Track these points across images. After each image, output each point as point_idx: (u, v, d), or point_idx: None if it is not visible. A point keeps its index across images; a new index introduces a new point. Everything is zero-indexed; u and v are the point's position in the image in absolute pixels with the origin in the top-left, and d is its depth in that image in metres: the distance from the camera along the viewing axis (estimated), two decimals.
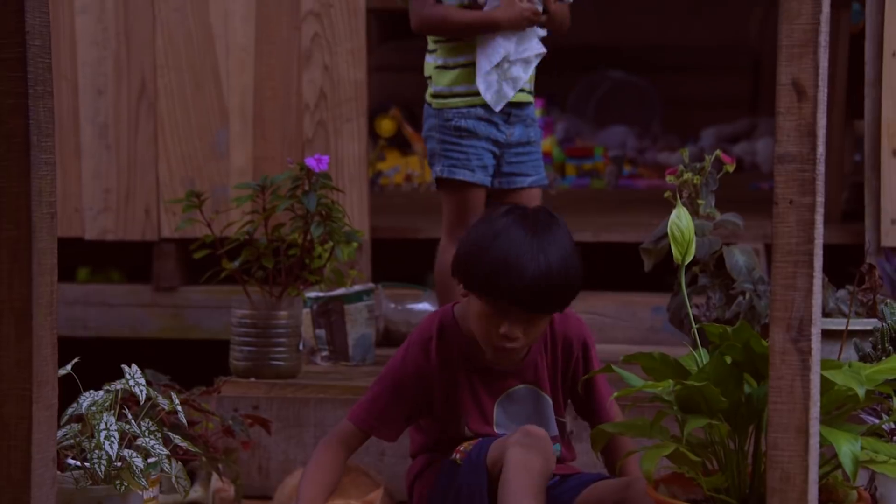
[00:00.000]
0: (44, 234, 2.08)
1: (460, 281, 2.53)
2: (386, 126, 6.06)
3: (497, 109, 3.19)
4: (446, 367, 2.57)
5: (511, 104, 3.24)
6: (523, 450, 2.43)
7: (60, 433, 2.46)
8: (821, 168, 1.95)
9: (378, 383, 2.60)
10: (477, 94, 3.22)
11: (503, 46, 3.18)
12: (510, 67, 3.19)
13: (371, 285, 3.68)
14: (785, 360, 1.96)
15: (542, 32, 3.27)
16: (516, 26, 3.18)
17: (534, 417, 2.59)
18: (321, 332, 3.59)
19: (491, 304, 2.47)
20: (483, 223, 2.53)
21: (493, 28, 3.18)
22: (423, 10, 3.19)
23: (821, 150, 1.94)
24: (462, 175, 3.23)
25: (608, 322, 3.93)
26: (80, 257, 4.79)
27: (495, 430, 2.58)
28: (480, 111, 3.23)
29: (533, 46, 3.21)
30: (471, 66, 3.22)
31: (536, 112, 5.83)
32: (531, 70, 3.25)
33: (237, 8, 4.13)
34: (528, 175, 3.29)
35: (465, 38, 3.21)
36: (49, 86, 2.10)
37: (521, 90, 3.26)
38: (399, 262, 4.41)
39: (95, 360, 3.07)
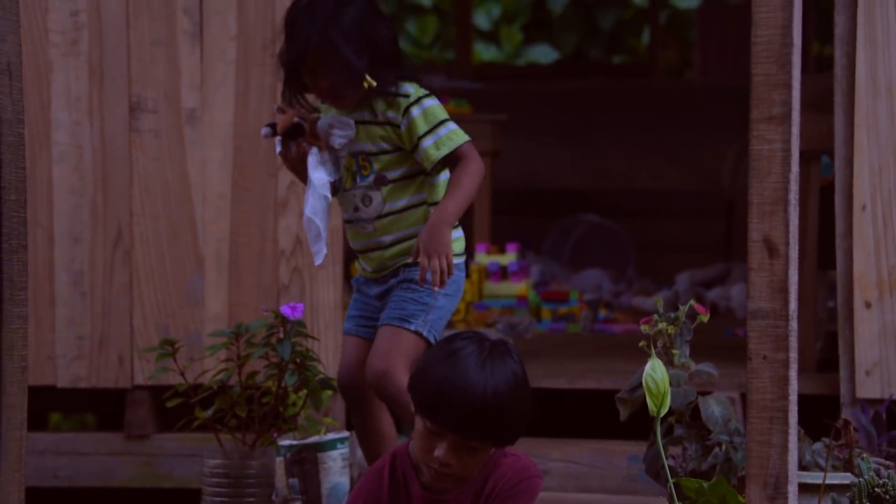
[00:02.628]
0: (14, 389, 2.07)
1: (412, 398, 2.53)
2: None
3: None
4: (395, 495, 2.56)
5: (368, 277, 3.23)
6: None
7: None
8: (794, 324, 1.96)
9: None
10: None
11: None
12: None
13: (346, 433, 3.65)
14: None
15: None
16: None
17: None
18: (294, 482, 3.55)
19: (429, 425, 2.47)
20: (440, 343, 2.56)
21: None
22: None
23: (793, 305, 1.96)
24: None
25: (584, 470, 3.90)
26: (53, 403, 4.74)
27: None
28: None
29: None
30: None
31: (510, 256, 5.92)
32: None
33: (214, 156, 4.17)
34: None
35: None
36: (24, 239, 2.10)
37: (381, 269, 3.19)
38: None
39: None
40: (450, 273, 2.97)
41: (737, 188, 6.89)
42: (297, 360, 3.32)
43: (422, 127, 3.02)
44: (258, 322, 3.36)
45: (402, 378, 2.87)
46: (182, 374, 3.36)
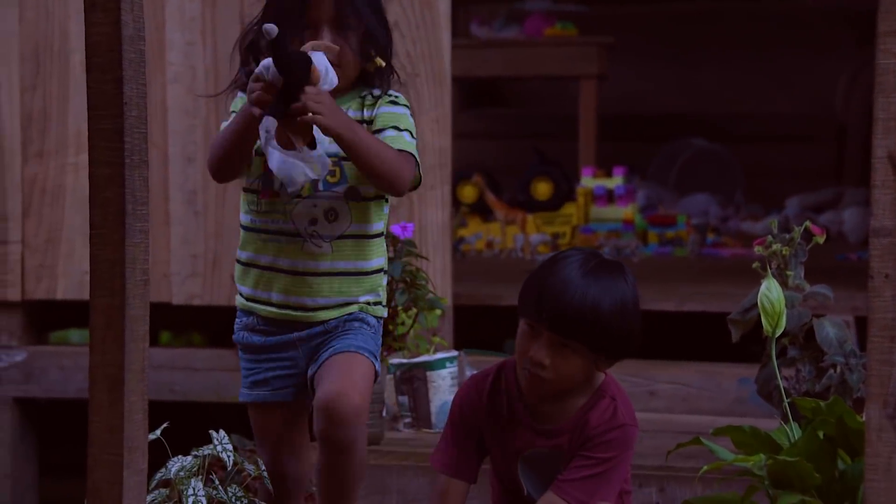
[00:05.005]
0: (136, 301, 2.11)
1: (519, 304, 2.53)
2: (468, 193, 6.09)
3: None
4: (494, 407, 2.57)
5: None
6: None
7: (149, 498, 2.48)
8: None
9: (446, 422, 2.64)
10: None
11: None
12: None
13: (454, 352, 3.68)
14: (881, 436, 1.93)
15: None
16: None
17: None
18: (404, 399, 3.59)
19: (526, 324, 2.48)
20: (553, 255, 2.56)
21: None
22: None
23: None
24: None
25: (693, 392, 3.90)
26: (163, 321, 4.84)
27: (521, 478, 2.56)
28: None
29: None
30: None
31: (617, 179, 5.89)
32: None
33: None
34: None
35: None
36: (144, 155, 2.14)
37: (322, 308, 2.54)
38: (479, 328, 4.40)
39: (180, 423, 3.10)
40: (305, 139, 2.39)
41: (849, 112, 6.76)
42: (408, 280, 3.34)
43: (391, 121, 2.51)
44: None
45: (360, 402, 2.45)
46: None
